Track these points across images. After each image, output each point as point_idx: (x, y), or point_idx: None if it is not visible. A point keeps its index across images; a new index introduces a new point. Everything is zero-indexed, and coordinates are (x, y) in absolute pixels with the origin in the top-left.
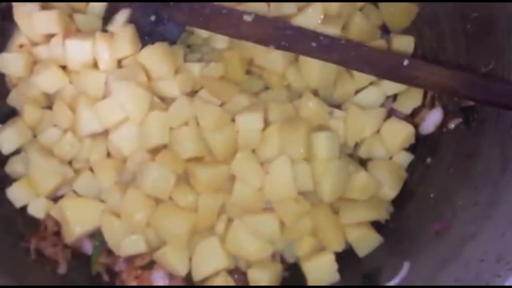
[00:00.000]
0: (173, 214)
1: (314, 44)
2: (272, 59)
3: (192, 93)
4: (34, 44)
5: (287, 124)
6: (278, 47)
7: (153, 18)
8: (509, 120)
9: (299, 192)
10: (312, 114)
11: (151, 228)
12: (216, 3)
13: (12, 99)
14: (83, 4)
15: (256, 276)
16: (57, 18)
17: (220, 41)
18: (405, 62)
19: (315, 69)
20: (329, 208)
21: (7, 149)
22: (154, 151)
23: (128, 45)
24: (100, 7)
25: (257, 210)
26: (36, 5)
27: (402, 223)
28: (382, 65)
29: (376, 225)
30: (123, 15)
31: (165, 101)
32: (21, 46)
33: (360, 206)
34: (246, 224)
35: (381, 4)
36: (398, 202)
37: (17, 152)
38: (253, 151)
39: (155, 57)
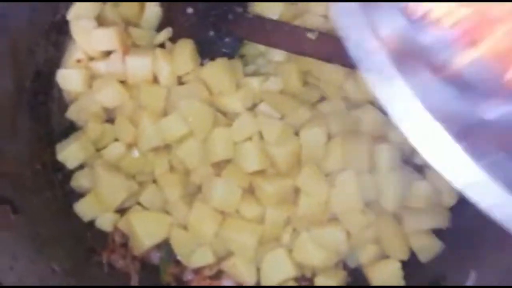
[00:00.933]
0: (241, 226)
1: None
2: (331, 71)
3: (253, 107)
4: (92, 59)
5: (349, 136)
6: (343, 64)
7: (211, 32)
8: None
9: (363, 203)
10: (371, 125)
11: (219, 239)
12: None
13: (72, 114)
14: (137, 17)
15: (323, 283)
16: (115, 35)
17: (277, 53)
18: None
19: None
20: (392, 217)
21: (71, 164)
22: (219, 165)
23: (188, 61)
24: (154, 19)
25: (322, 222)
26: (93, 21)
27: (463, 230)
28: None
29: (438, 232)
30: None
31: (227, 116)
32: (78, 61)
33: (421, 214)
34: (313, 236)
35: None
36: (458, 209)
37: (80, 167)
38: (317, 164)
39: (216, 73)
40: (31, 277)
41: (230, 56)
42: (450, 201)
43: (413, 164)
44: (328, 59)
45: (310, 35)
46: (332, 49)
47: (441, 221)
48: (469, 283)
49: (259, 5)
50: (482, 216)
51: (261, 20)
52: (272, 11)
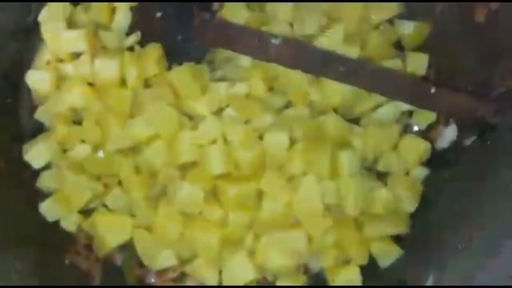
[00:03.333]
0: (204, 228)
1: (342, 69)
2: (296, 78)
3: (219, 111)
4: (61, 60)
5: (311, 142)
6: (307, 71)
7: (179, 37)
8: None
9: (324, 207)
10: (334, 132)
11: (182, 241)
12: (242, 24)
13: (40, 115)
14: (108, 20)
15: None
16: (85, 37)
17: (244, 59)
18: (432, 90)
19: (337, 88)
20: (353, 223)
21: (37, 164)
22: (183, 167)
23: (155, 64)
24: (124, 23)
25: (284, 225)
26: (63, 22)
27: (422, 236)
28: (408, 92)
29: (398, 239)
30: None
31: (193, 120)
32: (48, 62)
33: (382, 220)
34: (274, 239)
35: (396, 22)
36: (417, 216)
37: (46, 167)
38: (280, 168)
39: (183, 77)
40: None
41: (197, 61)
42: (410, 207)
43: (375, 170)
44: (292, 66)
45: (275, 41)
46: (295, 56)
47: (401, 227)
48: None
49: (226, 11)
50: (441, 222)
51: (226, 25)
52: (239, 17)
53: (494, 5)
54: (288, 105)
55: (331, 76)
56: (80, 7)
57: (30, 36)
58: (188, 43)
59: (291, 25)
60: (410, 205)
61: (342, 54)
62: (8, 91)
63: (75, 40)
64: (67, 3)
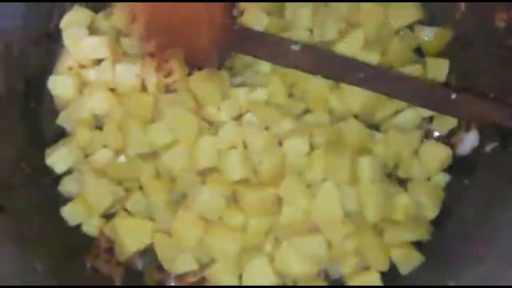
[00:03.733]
0: (223, 234)
1: (361, 75)
2: (316, 84)
3: (238, 117)
4: (82, 66)
5: (331, 148)
6: (326, 76)
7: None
8: None
9: (344, 213)
10: (354, 138)
11: (202, 246)
12: (262, 31)
13: (62, 120)
14: (128, 26)
15: None
16: (106, 43)
17: (264, 65)
18: (453, 96)
19: (357, 94)
20: (373, 229)
21: (60, 169)
22: (203, 172)
23: (176, 70)
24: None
25: (304, 231)
26: (84, 28)
27: (443, 243)
28: (429, 98)
29: (419, 245)
30: None
31: (213, 125)
32: (69, 68)
33: (402, 226)
34: (294, 245)
35: (416, 27)
36: (438, 222)
37: (68, 172)
38: (300, 174)
39: (203, 83)
40: (13, 275)
41: (218, 66)
42: (431, 214)
43: (395, 177)
44: (312, 71)
45: (294, 47)
46: (315, 62)
47: (422, 233)
48: None
49: (246, 17)
50: (462, 229)
51: (247, 31)
52: (259, 23)
53: None
54: (307, 111)
55: (351, 82)
56: (102, 14)
57: (52, 42)
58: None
59: (311, 31)
60: (431, 212)
61: (362, 60)
62: (31, 96)
63: (97, 46)
64: (88, 10)
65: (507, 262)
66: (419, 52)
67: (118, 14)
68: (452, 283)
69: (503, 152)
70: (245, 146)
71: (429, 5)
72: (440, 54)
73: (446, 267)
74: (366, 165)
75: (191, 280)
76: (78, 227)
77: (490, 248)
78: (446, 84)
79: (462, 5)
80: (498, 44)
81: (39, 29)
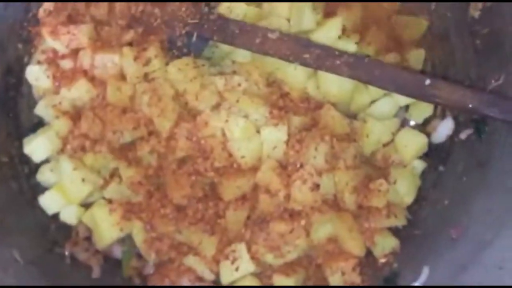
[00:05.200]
0: (202, 222)
1: (338, 62)
2: (293, 73)
3: (217, 105)
4: (61, 56)
5: (309, 135)
6: (303, 63)
7: (178, 32)
8: None
9: (322, 200)
10: (332, 125)
11: (180, 235)
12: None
13: (40, 110)
14: (107, 15)
15: (281, 280)
16: (85, 33)
17: (242, 54)
18: (427, 82)
19: (333, 82)
20: (351, 215)
21: (38, 158)
22: (182, 161)
23: (154, 59)
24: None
25: (282, 218)
26: (63, 19)
27: (419, 228)
28: (405, 84)
29: (394, 230)
30: None
31: (191, 113)
32: (48, 58)
33: (379, 212)
34: (272, 232)
35: (393, 18)
36: (414, 208)
37: (46, 161)
38: (277, 161)
39: (181, 71)
40: None
41: (196, 55)
42: (408, 200)
43: (372, 164)
44: (289, 59)
45: (271, 35)
46: (292, 49)
47: (398, 219)
48: (422, 278)
49: (223, 6)
50: (437, 215)
51: (224, 20)
52: (236, 12)
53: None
54: (285, 99)
55: (328, 69)
56: (80, 4)
57: (31, 32)
58: (188, 38)
59: (288, 20)
60: (407, 198)
61: (339, 48)
62: (10, 86)
63: (75, 36)
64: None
65: (480, 245)
66: (397, 41)
67: (97, 3)
68: (425, 267)
69: (477, 139)
70: (223, 134)
71: None
72: (417, 44)
73: (421, 251)
74: (344, 152)
75: (169, 267)
76: (56, 216)
77: (464, 233)
78: (422, 72)
79: None
80: (473, 34)
81: (17, 19)
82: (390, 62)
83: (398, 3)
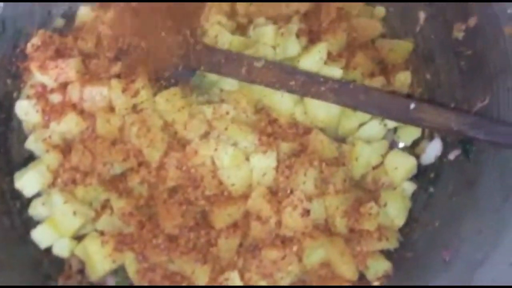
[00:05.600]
0: (194, 251)
1: (323, 88)
2: (280, 99)
3: (206, 134)
4: (50, 90)
5: (298, 161)
6: (289, 91)
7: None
8: (506, 152)
9: (313, 225)
10: (321, 150)
11: (173, 264)
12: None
13: (30, 144)
14: (95, 48)
15: None
16: (73, 66)
17: (229, 82)
18: (412, 106)
19: (321, 107)
20: (342, 239)
21: (29, 192)
22: (173, 190)
23: (142, 90)
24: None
25: (274, 245)
26: (51, 53)
27: (411, 251)
28: (390, 108)
29: (387, 253)
30: None
31: (180, 143)
32: (36, 92)
33: (371, 236)
34: (265, 259)
35: (378, 41)
36: (405, 230)
37: (38, 194)
38: (267, 188)
39: (169, 101)
40: None
41: (184, 84)
42: (399, 222)
43: (363, 187)
44: (275, 86)
45: (257, 64)
46: (278, 77)
47: (390, 242)
48: None
49: (209, 36)
50: (429, 237)
51: (210, 50)
52: (222, 41)
53: (471, 22)
54: (274, 125)
55: (314, 96)
56: (68, 37)
57: (19, 67)
58: (175, 68)
59: (274, 48)
60: (398, 220)
61: (323, 74)
62: (1, 121)
63: (64, 69)
64: (55, 35)
65: (471, 266)
66: (383, 65)
67: (85, 36)
68: None
69: (465, 159)
70: (213, 163)
71: (389, 19)
72: (402, 67)
73: (414, 274)
74: (333, 176)
75: None
76: (49, 250)
77: (455, 254)
78: (409, 95)
79: (421, 18)
80: (457, 55)
81: (5, 54)
82: (376, 86)
83: (381, 27)
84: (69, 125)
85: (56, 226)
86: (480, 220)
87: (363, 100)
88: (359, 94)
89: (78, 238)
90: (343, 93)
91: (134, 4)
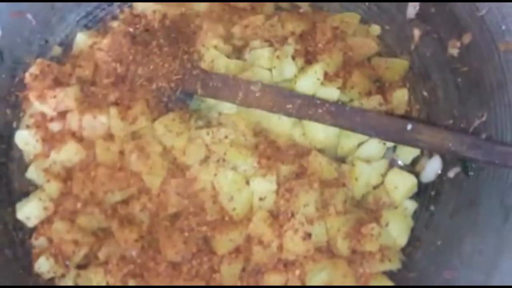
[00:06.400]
0: (197, 278)
1: (320, 111)
2: (278, 121)
3: (205, 159)
4: (49, 119)
5: (298, 183)
6: (286, 114)
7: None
8: (505, 171)
9: (315, 248)
10: (320, 171)
11: None
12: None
13: (31, 174)
14: (93, 76)
15: None
16: (72, 95)
17: (227, 106)
18: (409, 127)
19: (319, 128)
20: (345, 261)
21: (31, 222)
22: (174, 216)
23: (141, 117)
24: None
25: (276, 268)
26: (50, 82)
27: (413, 271)
28: (387, 130)
29: (389, 274)
30: None
31: (180, 168)
32: (36, 121)
33: (373, 257)
34: (267, 283)
35: (374, 60)
36: (408, 250)
37: (40, 224)
38: (268, 211)
39: (167, 127)
40: None
41: (182, 110)
42: (401, 242)
43: (364, 207)
44: (273, 110)
45: (254, 88)
46: (275, 101)
47: (393, 263)
48: None
49: (206, 60)
50: (431, 256)
51: (207, 75)
52: (219, 65)
53: (466, 38)
54: (273, 147)
55: (311, 118)
56: (66, 65)
57: (18, 97)
58: (173, 93)
59: (270, 70)
60: (400, 240)
61: (321, 95)
62: (1, 152)
63: (63, 98)
64: (53, 63)
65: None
66: (379, 84)
67: (83, 64)
68: None
69: (465, 176)
70: (213, 187)
71: (385, 38)
72: (399, 85)
73: None
74: (334, 198)
75: None
76: (52, 280)
77: (458, 273)
78: (407, 112)
79: (416, 35)
80: (454, 72)
81: (4, 84)
82: (373, 105)
83: (377, 45)
84: (69, 153)
85: (59, 256)
86: (481, 240)
87: (360, 122)
88: (355, 116)
89: (82, 266)
90: (340, 116)
91: (130, 29)
